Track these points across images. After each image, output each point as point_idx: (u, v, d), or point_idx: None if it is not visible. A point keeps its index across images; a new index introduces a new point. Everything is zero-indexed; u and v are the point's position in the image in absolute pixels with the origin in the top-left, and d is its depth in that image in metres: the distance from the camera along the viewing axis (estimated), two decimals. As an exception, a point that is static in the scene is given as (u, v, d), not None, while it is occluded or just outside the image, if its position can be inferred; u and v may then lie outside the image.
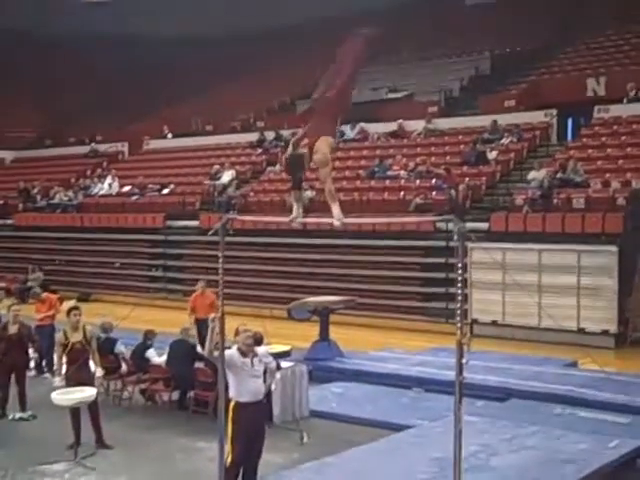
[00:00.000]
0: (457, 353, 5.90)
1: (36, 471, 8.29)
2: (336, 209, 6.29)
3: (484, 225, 15.96)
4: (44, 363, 12.42)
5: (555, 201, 15.93)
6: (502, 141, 19.26)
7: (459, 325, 5.93)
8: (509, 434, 8.81)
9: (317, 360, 11.98)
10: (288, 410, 9.88)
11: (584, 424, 9.22)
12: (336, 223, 6.35)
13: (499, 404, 10.25)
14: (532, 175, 16.99)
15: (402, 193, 18.27)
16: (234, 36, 31.49)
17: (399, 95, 23.31)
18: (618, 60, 21.23)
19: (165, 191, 23.29)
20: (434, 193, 17.82)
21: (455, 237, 6.03)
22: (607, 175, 16.20)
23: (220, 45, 32.11)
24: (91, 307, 16.52)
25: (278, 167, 21.11)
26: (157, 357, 10.84)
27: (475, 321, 15.45)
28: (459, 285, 6.00)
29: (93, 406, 8.93)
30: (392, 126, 21.86)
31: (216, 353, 7.07)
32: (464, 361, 5.91)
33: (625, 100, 18.71)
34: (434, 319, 15.91)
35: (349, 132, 22.40)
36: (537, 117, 19.81)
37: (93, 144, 28.92)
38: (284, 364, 10.07)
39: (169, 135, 27.51)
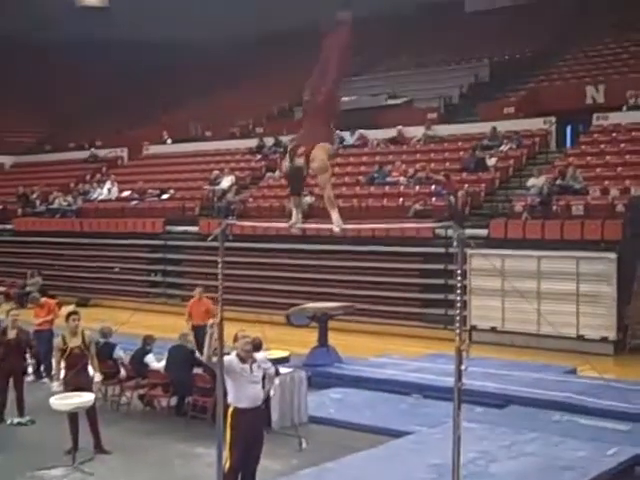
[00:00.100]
0: (456, 359, 5.89)
1: (34, 476, 8.28)
2: (335, 215, 6.29)
3: (483, 232, 15.97)
4: (42, 368, 12.40)
5: (554, 208, 15.95)
6: (501, 148, 19.30)
7: (458, 331, 5.93)
8: (508, 441, 8.79)
9: (316, 366, 11.98)
10: (287, 416, 9.87)
11: (583, 431, 9.22)
12: (335, 229, 6.35)
13: (498, 411, 10.24)
14: (531, 182, 17.02)
15: (401, 199, 18.28)
16: (233, 42, 31.57)
17: (398, 101, 23.35)
18: (617, 68, 21.29)
19: (164, 196, 23.31)
20: (433, 199, 17.83)
21: (454, 243, 6.04)
22: (606, 182, 16.21)
23: (219, 51, 32.19)
24: (90, 312, 16.53)
25: (277, 173, 21.13)
26: (156, 362, 10.82)
27: (474, 327, 15.44)
28: (458, 291, 6.00)
29: (91, 411, 8.91)
30: (391, 132, 21.89)
31: (215, 359, 7.07)
32: (463, 367, 5.91)
33: (624, 108, 18.75)
34: (433, 325, 15.90)
35: (348, 138, 22.44)
36: (536, 124, 19.84)
37: (92, 149, 28.93)
38: (283, 370, 10.07)
39: (168, 140, 27.53)
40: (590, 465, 7.98)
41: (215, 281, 7.30)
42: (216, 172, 22.76)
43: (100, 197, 24.95)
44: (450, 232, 6.71)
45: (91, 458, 8.76)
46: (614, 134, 18.17)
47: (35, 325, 12.47)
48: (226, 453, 6.97)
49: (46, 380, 12.02)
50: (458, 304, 5.99)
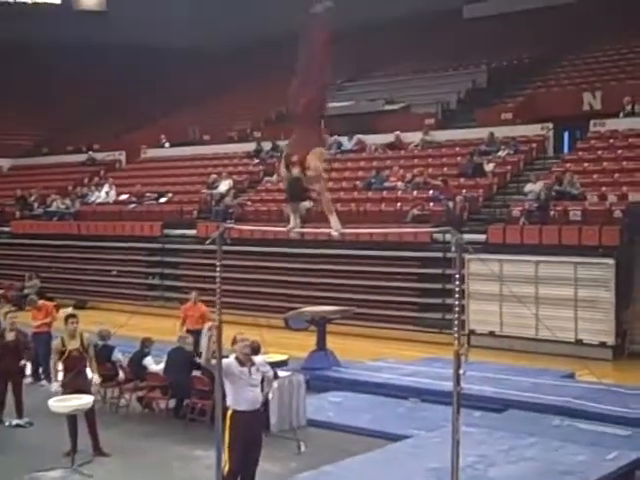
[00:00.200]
0: (455, 364, 5.91)
1: (32, 478, 8.28)
2: (334, 219, 6.31)
3: (481, 237, 15.99)
4: (40, 370, 12.40)
5: (552, 213, 15.99)
6: (499, 153, 19.33)
7: (457, 335, 5.95)
8: (507, 445, 8.80)
9: (314, 369, 11.99)
10: (285, 419, 9.87)
11: (582, 436, 9.23)
12: (334, 233, 6.37)
13: (497, 415, 10.25)
14: (529, 187, 17.07)
15: (399, 204, 18.31)
16: (231, 46, 31.62)
17: (396, 107, 23.39)
18: (614, 74, 21.36)
19: (162, 200, 23.30)
20: (431, 204, 17.87)
21: (453, 248, 6.06)
22: (603, 188, 16.25)
23: (217, 54, 32.24)
24: (88, 315, 16.48)
25: (275, 177, 21.15)
26: (154, 365, 10.83)
27: (472, 332, 15.46)
28: (457, 296, 6.03)
29: (90, 413, 8.91)
30: (389, 137, 21.92)
31: (214, 361, 7.08)
32: (462, 372, 5.92)
33: (621, 114, 18.81)
34: (430, 329, 15.91)
35: (346, 143, 22.50)
36: (534, 130, 19.88)
37: (90, 152, 28.93)
38: (281, 373, 10.07)
39: (166, 144, 27.53)
40: (590, 470, 7.99)
41: (213, 284, 7.32)
42: (214, 176, 22.78)
43: (98, 200, 24.95)
44: (448, 237, 6.74)
45: (90, 460, 8.76)
46: (611, 140, 18.22)
47: (33, 327, 12.47)
48: (225, 456, 6.97)
49: (44, 382, 12.02)
50: (456, 308, 6.02)
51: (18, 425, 10.10)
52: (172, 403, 10.57)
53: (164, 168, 26.13)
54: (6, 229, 25.88)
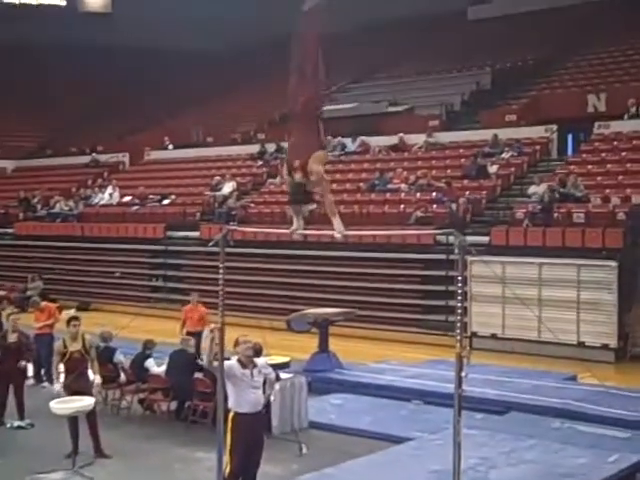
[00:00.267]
0: (457, 366, 5.90)
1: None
2: (337, 221, 6.31)
3: (484, 239, 15.98)
4: (42, 372, 12.41)
5: (555, 215, 15.97)
6: (503, 155, 19.32)
7: (459, 338, 5.94)
8: (508, 447, 8.79)
9: (316, 372, 11.97)
10: (287, 421, 9.86)
11: (583, 438, 9.20)
12: (337, 235, 6.38)
13: (498, 417, 10.23)
14: (532, 189, 17.05)
15: (402, 206, 18.30)
16: (235, 47, 31.63)
17: (400, 109, 23.39)
18: (618, 76, 21.35)
19: (166, 202, 23.33)
20: (434, 206, 17.85)
21: (456, 250, 6.06)
22: (607, 191, 16.24)
23: (221, 56, 32.27)
24: (91, 316, 16.52)
25: (279, 179, 21.16)
26: (156, 367, 10.83)
27: (475, 334, 15.43)
28: (459, 298, 6.02)
29: (91, 415, 8.91)
30: (393, 139, 21.93)
31: (216, 363, 7.08)
32: (464, 374, 5.91)
33: (625, 116, 18.78)
34: (434, 332, 15.89)
35: (350, 145, 22.51)
36: (537, 132, 19.88)
37: (94, 154, 28.98)
38: (283, 375, 10.06)
39: (170, 146, 27.56)
40: (591, 472, 7.98)
41: (216, 286, 7.32)
42: (217, 178, 22.80)
43: (101, 202, 24.99)
44: (451, 239, 6.72)
45: (91, 462, 8.75)
46: (615, 142, 18.20)
47: (36, 329, 12.48)
48: (226, 458, 6.97)
49: (46, 384, 12.05)
50: (459, 310, 6.01)
51: (19, 427, 10.10)
52: (174, 405, 10.57)
53: (167, 170, 26.17)
54: (9, 230, 25.92)
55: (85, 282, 22.68)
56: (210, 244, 7.40)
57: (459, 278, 6.07)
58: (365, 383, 11.87)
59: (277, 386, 9.11)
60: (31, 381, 11.95)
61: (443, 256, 15.94)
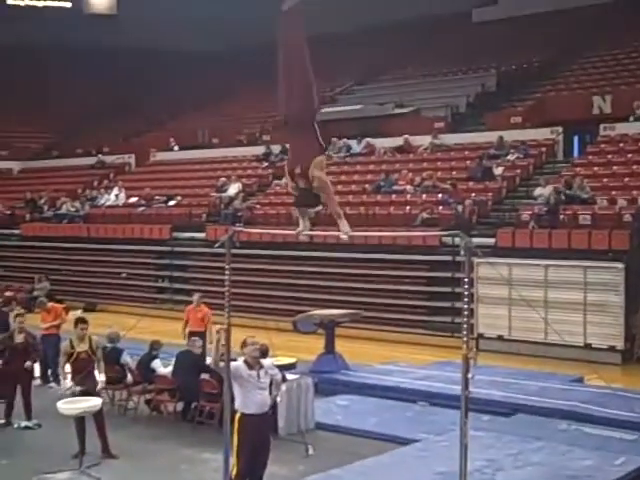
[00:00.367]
0: (463, 367, 5.91)
1: (41, 480, 8.31)
2: (342, 222, 6.31)
3: (490, 240, 15.96)
4: (49, 372, 12.44)
5: (561, 217, 15.94)
6: (508, 157, 19.30)
7: (465, 339, 5.94)
8: (515, 449, 8.79)
9: (322, 373, 11.97)
10: (293, 422, 9.87)
11: (590, 440, 9.19)
12: (343, 236, 6.38)
13: (505, 419, 10.22)
14: (538, 191, 17.01)
15: (408, 208, 18.29)
16: (240, 49, 31.67)
17: (405, 110, 23.38)
18: (624, 78, 21.31)
19: (171, 203, 23.36)
20: (440, 208, 17.84)
21: (462, 252, 6.07)
22: (613, 193, 16.21)
23: (226, 58, 32.31)
24: (97, 317, 16.56)
25: (284, 180, 21.14)
26: (163, 368, 10.85)
27: (481, 336, 15.42)
28: (466, 300, 6.02)
29: (98, 416, 8.94)
30: (398, 141, 21.92)
31: (222, 364, 7.09)
32: (470, 375, 5.92)
33: (631, 118, 18.74)
34: (440, 333, 15.89)
35: (355, 146, 22.51)
36: (543, 134, 19.86)
37: (100, 155, 29.02)
38: (290, 376, 10.07)
39: (176, 147, 27.61)
40: (597, 474, 7.98)
41: (222, 287, 7.34)
42: (223, 179, 22.83)
43: (107, 203, 25.04)
44: (457, 240, 6.72)
45: (98, 462, 8.77)
46: (621, 144, 18.17)
47: (42, 330, 12.51)
48: (233, 459, 6.98)
49: (53, 384, 12.08)
50: (465, 312, 6.01)
51: (27, 427, 10.13)
52: (180, 406, 10.58)
53: (173, 171, 26.21)
54: (16, 231, 25.96)
55: (91, 283, 22.73)
56: (216, 245, 7.41)
57: (465, 280, 6.07)
58: (371, 384, 11.86)
59: (283, 387, 9.13)
60: (38, 381, 11.97)
61: (449, 258, 15.95)
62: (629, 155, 17.62)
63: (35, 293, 19.31)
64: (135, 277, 22.24)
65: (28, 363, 10.36)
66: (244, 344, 7.12)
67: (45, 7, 35.85)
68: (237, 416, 6.99)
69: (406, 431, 9.73)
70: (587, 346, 14.31)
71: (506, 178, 18.61)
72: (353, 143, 22.50)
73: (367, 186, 20.14)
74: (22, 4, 35.63)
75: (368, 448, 9.07)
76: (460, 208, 17.25)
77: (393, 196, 19.21)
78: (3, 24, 32.97)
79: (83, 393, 9.01)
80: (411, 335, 16.52)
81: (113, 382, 10.64)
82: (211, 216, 21.83)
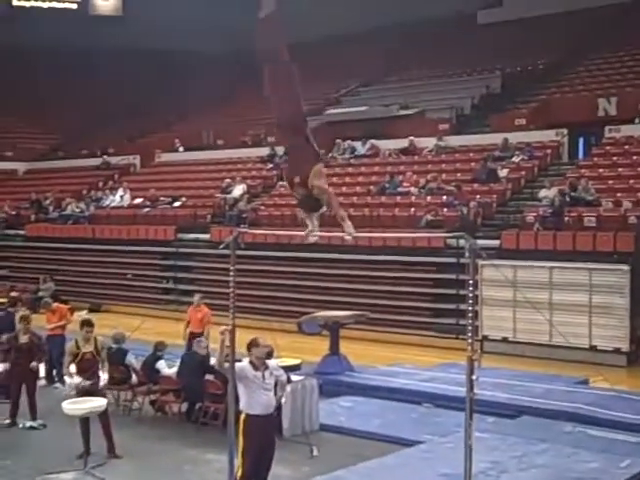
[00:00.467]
0: (468, 369, 5.91)
1: (45, 480, 8.32)
2: (346, 224, 6.31)
3: (495, 242, 15.96)
4: (54, 373, 12.46)
5: (566, 219, 15.93)
6: (513, 159, 19.29)
7: (470, 341, 5.94)
8: (519, 451, 8.78)
9: (327, 374, 11.98)
10: (298, 423, 9.87)
11: (595, 443, 9.17)
12: (347, 237, 6.38)
13: (510, 421, 10.20)
14: (543, 193, 17.01)
15: (413, 209, 18.28)
16: (245, 50, 31.68)
17: (410, 112, 23.37)
18: (629, 80, 21.29)
19: (176, 204, 23.39)
20: (445, 210, 17.84)
21: (466, 254, 6.06)
22: (618, 194, 16.20)
23: (231, 59, 32.33)
24: (102, 318, 16.56)
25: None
26: (167, 368, 10.87)
27: (486, 338, 15.40)
28: (470, 302, 6.02)
29: (103, 416, 8.96)
30: (403, 143, 21.92)
31: (227, 365, 7.09)
32: (475, 377, 5.91)
33: (636, 120, 18.74)
34: (444, 335, 15.88)
35: (360, 148, 22.52)
36: (548, 136, 19.84)
37: (105, 156, 29.07)
38: (294, 378, 10.07)
39: (180, 148, 27.64)
40: (602, 477, 7.96)
41: (227, 288, 7.34)
42: (228, 180, 22.85)
43: (112, 204, 25.07)
44: (462, 242, 6.73)
45: (102, 463, 8.78)
46: (626, 146, 18.16)
47: (48, 330, 12.53)
48: (238, 460, 6.98)
49: (58, 385, 12.10)
50: (470, 314, 6.01)
51: (32, 427, 10.15)
52: (185, 407, 10.59)
53: (178, 172, 26.24)
54: (21, 232, 26.00)
55: (96, 284, 22.76)
56: (221, 246, 7.42)
57: (470, 282, 6.06)
58: (376, 386, 11.86)
59: (288, 388, 9.13)
60: (43, 382, 11.98)
61: (454, 259, 15.94)
62: (634, 157, 17.60)
63: (40, 294, 19.34)
64: (140, 278, 22.26)
65: (33, 363, 10.38)
66: (255, 344, 7.06)
67: (50, 8, 35.92)
68: (242, 417, 6.98)
69: (411, 433, 9.73)
70: (592, 348, 14.30)
71: (511, 180, 18.60)
72: (358, 145, 22.51)
73: (372, 188, 20.14)
74: (27, 5, 35.71)
75: (372, 449, 9.07)
76: (465, 210, 17.25)
77: (398, 198, 19.21)
78: (8, 25, 33.07)
79: (88, 393, 9.03)
80: (416, 337, 16.52)
81: (118, 383, 10.66)
82: (216, 217, 21.85)
